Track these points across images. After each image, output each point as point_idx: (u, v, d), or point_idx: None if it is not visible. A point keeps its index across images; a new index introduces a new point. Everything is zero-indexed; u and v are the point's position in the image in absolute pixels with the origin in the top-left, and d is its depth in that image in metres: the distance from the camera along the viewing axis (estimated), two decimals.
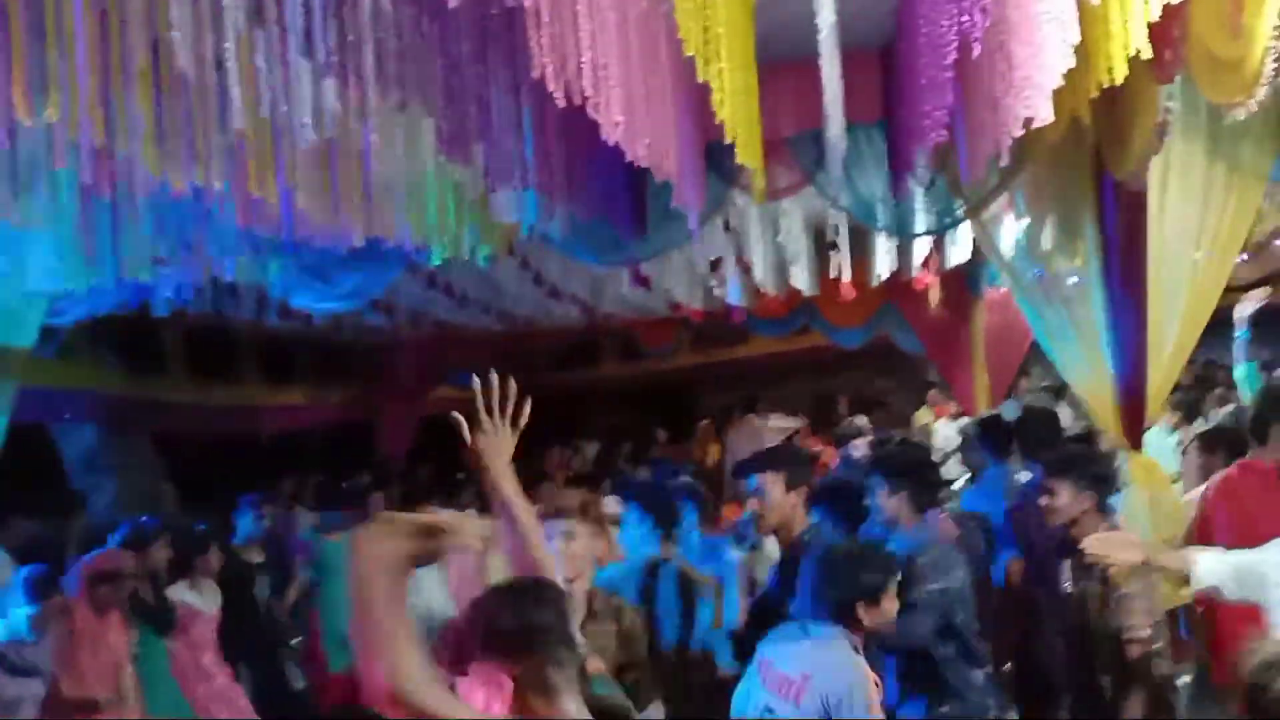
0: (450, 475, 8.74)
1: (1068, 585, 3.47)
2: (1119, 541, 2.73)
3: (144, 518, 5.30)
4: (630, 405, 13.03)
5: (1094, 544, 2.77)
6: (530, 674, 1.86)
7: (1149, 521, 4.04)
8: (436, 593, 5.69)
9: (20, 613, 3.94)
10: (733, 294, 7.48)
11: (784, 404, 10.77)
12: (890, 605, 2.84)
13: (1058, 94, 2.65)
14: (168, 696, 4.54)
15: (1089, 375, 4.42)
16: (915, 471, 3.73)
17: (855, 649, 2.78)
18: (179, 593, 4.76)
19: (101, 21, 2.18)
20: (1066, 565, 3.48)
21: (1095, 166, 4.08)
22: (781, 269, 6.90)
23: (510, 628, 1.88)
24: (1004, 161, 3.87)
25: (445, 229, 3.97)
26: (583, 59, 2.55)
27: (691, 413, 11.67)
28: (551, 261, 6.76)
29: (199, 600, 4.81)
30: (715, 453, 10.21)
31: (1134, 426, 4.25)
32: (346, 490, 6.71)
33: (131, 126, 2.34)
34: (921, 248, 6.88)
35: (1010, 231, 5.04)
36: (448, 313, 8.19)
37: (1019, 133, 2.88)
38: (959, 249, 6.77)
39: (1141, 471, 4.23)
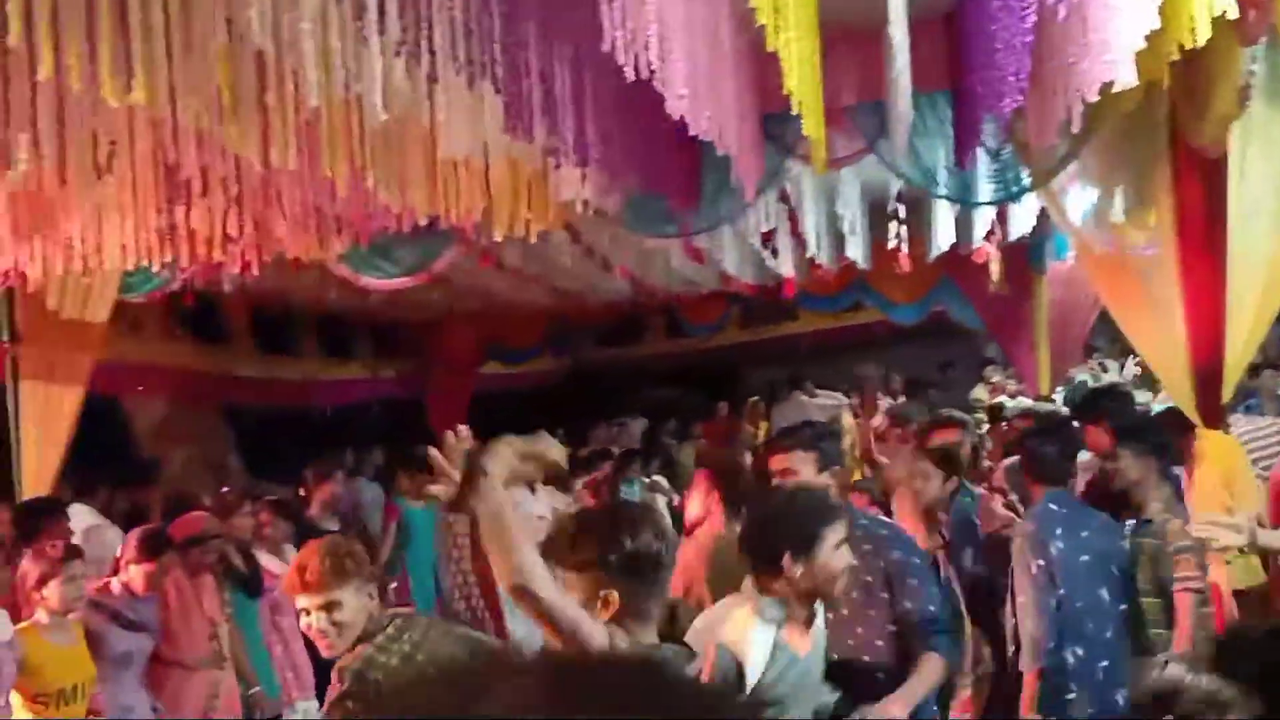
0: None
1: (1125, 541, 3.62)
2: (1225, 524, 2.69)
3: (225, 487, 5.44)
4: (675, 383, 13.03)
5: (1201, 526, 2.80)
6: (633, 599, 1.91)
7: (1222, 499, 3.96)
8: None
9: (135, 570, 4.04)
10: (785, 267, 7.41)
11: (838, 382, 10.67)
12: (831, 560, 2.38)
13: (1136, 57, 2.57)
14: (263, 659, 4.72)
15: (1163, 350, 4.32)
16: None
17: (759, 614, 2.38)
18: (260, 558, 4.87)
19: (183, 2, 2.22)
20: (1126, 524, 3.65)
21: (1171, 132, 3.97)
22: (836, 241, 6.83)
23: (631, 551, 1.92)
24: (1075, 127, 3.78)
25: (504, 205, 4.00)
26: (649, 30, 2.54)
27: (736, 391, 11.64)
28: (602, 234, 6.76)
29: (278, 564, 4.88)
30: (765, 430, 10.21)
31: (1209, 402, 4.14)
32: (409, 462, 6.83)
33: (210, 106, 2.39)
34: (983, 219, 6.76)
35: (1079, 201, 4.92)
36: (498, 287, 8.25)
37: (1094, 97, 2.81)
38: (1022, 220, 6.63)
39: (1215, 448, 4.14)
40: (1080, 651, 3.38)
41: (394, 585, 6.07)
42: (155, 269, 4.02)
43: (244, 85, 2.45)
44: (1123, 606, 3.45)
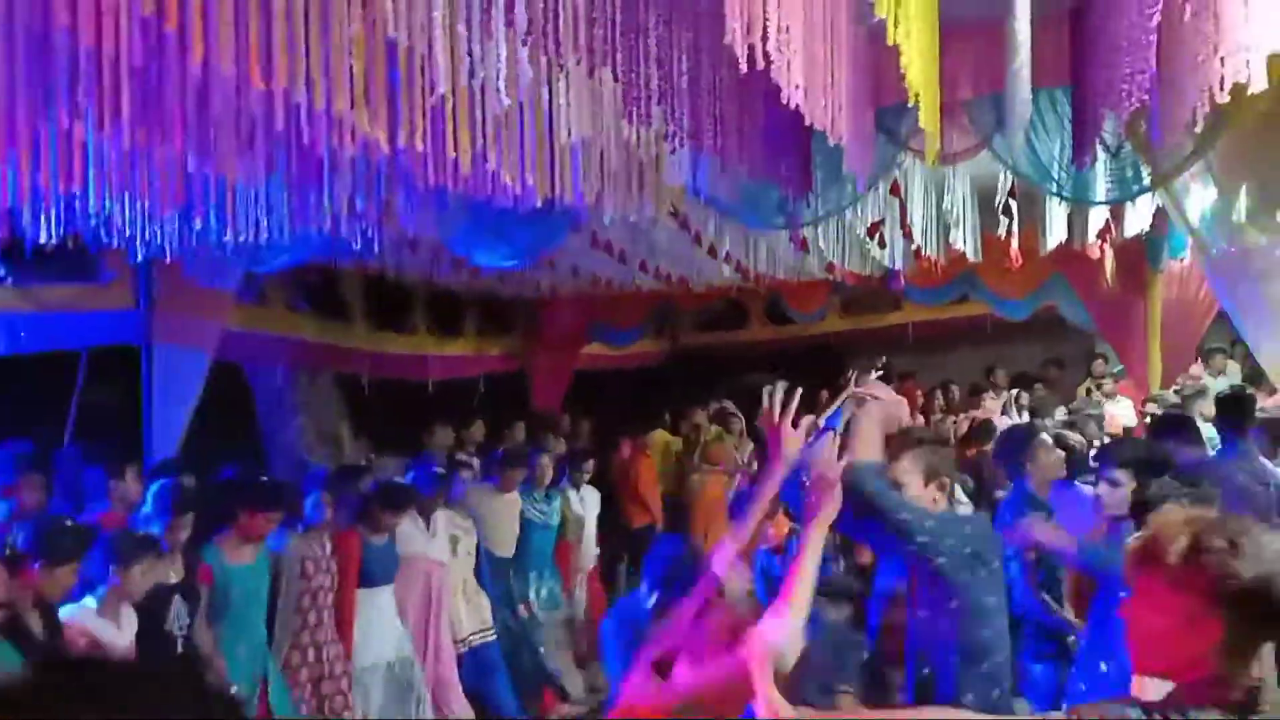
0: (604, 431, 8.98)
1: None
2: None
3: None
4: (776, 370, 12.96)
5: None
6: None
7: None
8: None
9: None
10: (892, 258, 7.33)
11: (942, 374, 10.48)
12: None
13: (1268, 58, 2.49)
14: None
15: None
16: None
17: None
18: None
19: None
20: None
21: None
22: (945, 233, 6.72)
23: None
24: (1200, 127, 3.65)
25: (618, 190, 4.07)
26: (768, 20, 2.57)
27: (837, 380, 11.50)
28: (709, 221, 6.80)
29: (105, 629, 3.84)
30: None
31: None
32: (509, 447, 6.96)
33: (344, 90, 2.52)
34: (1097, 215, 6.55)
35: (1199, 201, 4.73)
36: (605, 270, 8.38)
37: (1223, 98, 2.72)
38: (1138, 217, 6.40)
39: None
40: None
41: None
42: (284, 243, 4.24)
43: (375, 71, 2.58)
44: None
